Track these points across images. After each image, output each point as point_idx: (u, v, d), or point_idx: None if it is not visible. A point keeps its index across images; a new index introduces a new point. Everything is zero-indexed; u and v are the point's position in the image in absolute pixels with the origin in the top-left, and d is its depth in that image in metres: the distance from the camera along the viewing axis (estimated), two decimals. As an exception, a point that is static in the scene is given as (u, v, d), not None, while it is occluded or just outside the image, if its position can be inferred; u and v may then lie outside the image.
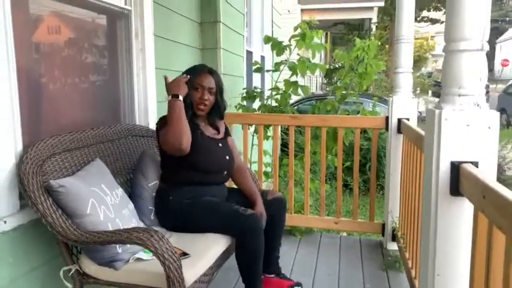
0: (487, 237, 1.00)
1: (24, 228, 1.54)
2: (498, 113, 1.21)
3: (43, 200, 1.44)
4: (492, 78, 34.88)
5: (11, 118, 1.49)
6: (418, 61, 19.10)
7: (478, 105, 1.21)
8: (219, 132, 2.10)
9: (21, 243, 1.54)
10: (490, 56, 42.68)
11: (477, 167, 1.19)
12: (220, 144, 2.06)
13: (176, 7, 2.83)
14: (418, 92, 13.43)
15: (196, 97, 1.95)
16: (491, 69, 39.75)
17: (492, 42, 42.61)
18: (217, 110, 2.06)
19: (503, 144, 5.97)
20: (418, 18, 17.16)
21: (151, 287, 1.49)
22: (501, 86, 18.02)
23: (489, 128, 1.20)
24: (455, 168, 1.21)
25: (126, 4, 2.31)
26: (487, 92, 18.49)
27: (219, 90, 2.03)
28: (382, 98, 7.06)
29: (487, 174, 1.17)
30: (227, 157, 2.05)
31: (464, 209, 1.21)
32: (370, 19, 12.73)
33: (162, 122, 1.90)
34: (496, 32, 41.52)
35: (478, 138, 1.20)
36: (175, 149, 1.78)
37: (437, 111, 1.24)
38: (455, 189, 1.21)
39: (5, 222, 1.45)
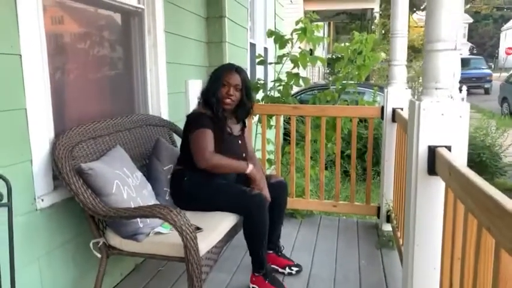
0: (453, 208, 1.20)
1: (57, 206, 1.77)
2: (468, 104, 1.40)
3: (75, 180, 1.65)
4: (496, 66, 34.72)
5: (45, 110, 1.71)
6: (422, 50, 19.02)
7: (451, 97, 1.40)
8: (241, 126, 2.31)
9: (56, 219, 1.77)
10: (495, 45, 42.37)
11: (450, 150, 1.39)
12: (240, 142, 2.27)
13: (184, 4, 3.01)
14: (420, 81, 13.48)
15: (223, 92, 2.14)
16: (496, 57, 39.50)
17: (497, 30, 42.27)
18: (243, 107, 2.23)
19: (500, 133, 6.12)
20: (422, 7, 17.13)
21: (169, 256, 1.72)
22: (505, 75, 18.04)
23: (460, 117, 1.39)
24: (432, 151, 1.41)
25: (139, 3, 2.50)
26: (490, 81, 18.58)
27: (245, 88, 2.20)
28: (383, 88, 7.21)
29: (458, 156, 1.37)
30: (244, 155, 2.27)
31: (439, 186, 1.41)
32: (372, 9, 12.79)
33: (198, 127, 2.06)
34: (501, 20, 41.14)
35: (451, 125, 1.40)
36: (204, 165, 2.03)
37: (417, 102, 1.44)
38: (432, 169, 1.41)
39: (42, 200, 1.68)
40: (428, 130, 1.41)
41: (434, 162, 1.40)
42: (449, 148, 1.39)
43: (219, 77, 2.16)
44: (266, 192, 2.16)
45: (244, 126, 2.36)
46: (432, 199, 1.43)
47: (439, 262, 1.40)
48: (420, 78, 13.13)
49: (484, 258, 0.95)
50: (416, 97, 1.54)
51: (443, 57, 1.39)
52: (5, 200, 1.27)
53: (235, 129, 2.26)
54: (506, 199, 0.79)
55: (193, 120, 2.13)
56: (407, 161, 1.60)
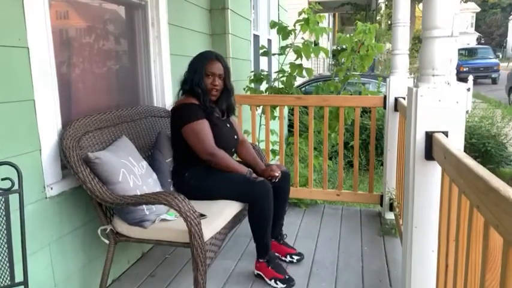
0: (448, 192, 1.24)
1: (66, 194, 1.82)
2: (465, 90, 1.43)
3: (82, 169, 1.70)
4: (505, 56, 34.32)
5: (53, 101, 1.75)
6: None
7: (448, 83, 1.43)
8: (223, 115, 2.31)
9: (65, 207, 1.83)
10: (503, 34, 41.82)
11: (447, 136, 1.42)
12: (228, 125, 2.30)
13: (187, -4, 3.04)
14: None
15: (208, 83, 2.14)
16: (504, 47, 39.02)
17: (505, 19, 41.70)
18: (227, 93, 2.24)
19: (506, 122, 6.09)
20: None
21: (175, 242, 1.77)
22: (513, 64, 17.86)
23: (457, 102, 1.42)
24: (429, 137, 1.44)
25: (142, -4, 2.54)
26: (498, 71, 18.42)
27: (227, 75, 2.22)
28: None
29: (455, 141, 1.40)
30: (235, 136, 2.31)
31: (436, 171, 1.44)
32: (377, -1, 12.72)
33: (193, 119, 2.07)
34: (510, 9, 40.58)
35: (448, 111, 1.42)
36: (206, 159, 2.09)
37: (414, 89, 1.46)
38: (429, 154, 1.44)
39: (52, 188, 1.73)
40: (426, 116, 1.44)
41: (431, 147, 1.43)
42: (446, 133, 1.42)
43: (202, 67, 2.14)
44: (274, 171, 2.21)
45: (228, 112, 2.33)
46: (429, 183, 1.47)
47: (436, 244, 1.43)
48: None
49: (476, 238, 0.98)
50: (414, 84, 1.56)
51: (439, 44, 1.41)
52: (16, 187, 1.32)
53: (221, 114, 2.28)
54: (492, 177, 0.83)
55: (185, 112, 2.11)
56: (405, 146, 1.63)
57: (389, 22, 13.70)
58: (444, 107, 1.42)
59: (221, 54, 3.08)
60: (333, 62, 13.52)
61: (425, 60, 1.45)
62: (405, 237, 1.66)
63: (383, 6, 14.75)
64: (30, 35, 1.60)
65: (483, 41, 38.76)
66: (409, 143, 1.51)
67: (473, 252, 1.00)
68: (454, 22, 1.39)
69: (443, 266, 1.33)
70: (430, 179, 1.46)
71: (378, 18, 12.90)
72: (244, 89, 3.67)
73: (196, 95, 2.13)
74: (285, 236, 2.47)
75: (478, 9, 40.25)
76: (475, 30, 40.58)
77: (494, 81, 18.18)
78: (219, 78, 2.17)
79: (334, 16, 16.97)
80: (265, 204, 2.03)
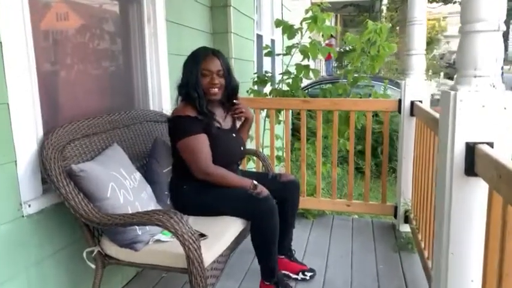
0: (501, 216, 1.01)
1: (47, 211, 1.60)
2: (514, 94, 1.21)
3: (65, 184, 1.48)
4: (507, 58, 34.17)
5: (32, 105, 1.53)
6: (430, 43, 18.80)
7: (493, 86, 1.21)
8: (231, 118, 2.09)
9: (45, 226, 1.60)
10: (504, 36, 41.75)
11: (492, 147, 1.20)
12: (234, 135, 2.06)
13: (187, -8, 2.83)
14: (430, 74, 13.29)
15: (206, 82, 1.89)
16: (506, 49, 38.97)
17: (507, 22, 41.62)
18: (230, 92, 2.00)
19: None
20: (431, -2, 16.80)
21: (170, 267, 1.55)
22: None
23: (505, 108, 1.20)
24: (471, 149, 1.22)
25: (137, -11, 2.32)
26: (502, 73, 18.25)
27: (227, 71, 1.96)
28: (393, 81, 7.00)
29: (503, 154, 1.18)
30: (241, 148, 2.08)
31: (479, 189, 1.22)
32: (381, 0, 12.51)
33: (187, 134, 1.85)
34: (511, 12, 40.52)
35: (493, 119, 1.20)
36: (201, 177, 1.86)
37: (452, 92, 1.24)
38: (471, 169, 1.22)
39: (29, 205, 1.51)
40: (466, 124, 1.22)
41: (473, 161, 1.21)
42: (491, 145, 1.20)
43: (197, 66, 1.88)
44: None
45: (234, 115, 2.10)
46: (471, 203, 1.25)
47: (477, 274, 1.21)
48: (431, 71, 12.90)
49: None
50: (449, 87, 1.34)
51: (483, 40, 1.20)
52: (-22, 209, 1.10)
53: (226, 123, 2.04)
54: None
55: (179, 126, 1.89)
56: (438, 160, 1.40)
57: (390, 25, 13.50)
58: (489, 114, 1.20)
59: (224, 54, 2.86)
60: (335, 64, 13.31)
61: (465, 59, 1.23)
62: (438, 264, 1.44)
63: (384, 8, 14.54)
64: (3, 28, 1.38)
65: (484, 44, 38.57)
66: (445, 155, 1.29)
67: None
68: (502, 13, 1.17)
69: (490, 304, 1.11)
70: (471, 199, 1.24)
71: (381, 20, 12.70)
72: (247, 91, 3.45)
73: (193, 100, 1.87)
74: (294, 252, 2.25)
75: (479, 11, 40.14)
76: (476, 32, 40.39)
77: (498, 84, 18.00)
78: (218, 75, 1.90)
79: (336, 18, 16.78)
80: (270, 222, 1.81)
